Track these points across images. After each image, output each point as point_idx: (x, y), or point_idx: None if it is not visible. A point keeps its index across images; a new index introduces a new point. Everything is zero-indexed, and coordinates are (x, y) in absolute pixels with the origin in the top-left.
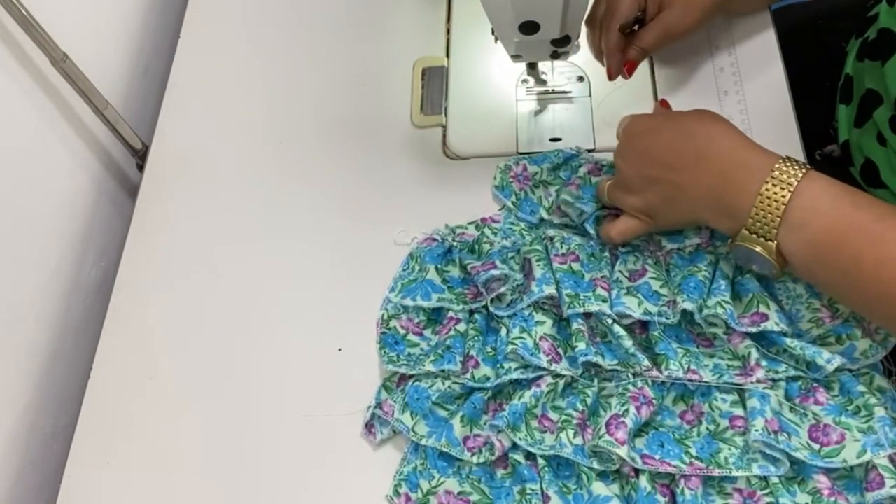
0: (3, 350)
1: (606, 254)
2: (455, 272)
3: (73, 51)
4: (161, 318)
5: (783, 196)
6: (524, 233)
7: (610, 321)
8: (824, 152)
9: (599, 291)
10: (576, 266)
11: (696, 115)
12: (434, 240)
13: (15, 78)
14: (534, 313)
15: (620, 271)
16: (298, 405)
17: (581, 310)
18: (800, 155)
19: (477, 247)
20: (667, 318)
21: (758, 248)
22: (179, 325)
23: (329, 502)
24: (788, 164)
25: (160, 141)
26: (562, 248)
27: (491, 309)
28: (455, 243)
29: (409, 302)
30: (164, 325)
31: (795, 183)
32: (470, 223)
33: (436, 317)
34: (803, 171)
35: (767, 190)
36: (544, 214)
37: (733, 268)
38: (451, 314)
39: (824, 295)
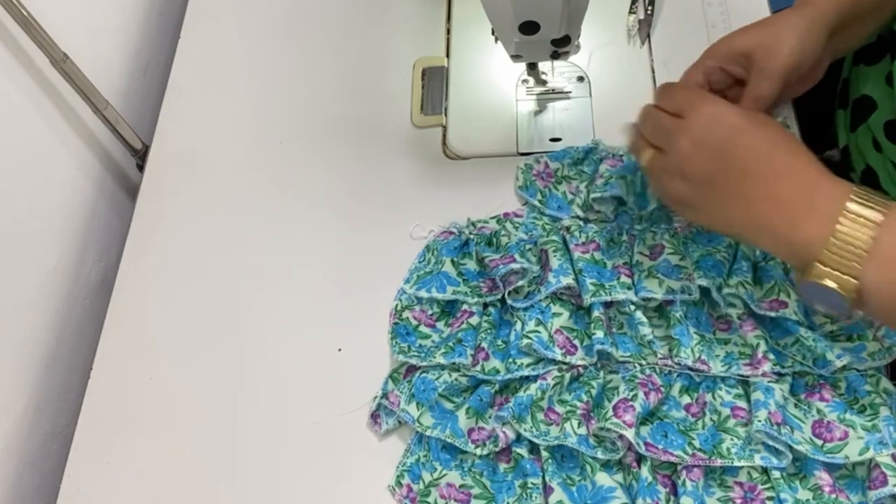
0: (3, 350)
1: (624, 237)
2: (471, 265)
3: (73, 51)
4: (161, 318)
5: (869, 230)
6: (546, 227)
7: (633, 308)
8: (825, 156)
9: (623, 279)
10: (597, 255)
11: (779, 127)
12: (451, 233)
13: (15, 78)
14: (551, 305)
15: (640, 252)
16: (298, 404)
17: (607, 298)
18: None
19: (495, 240)
20: (689, 294)
21: (833, 285)
22: (179, 325)
23: (331, 493)
24: (868, 192)
25: (160, 141)
26: (581, 236)
27: (508, 301)
28: (473, 236)
29: (423, 293)
30: (165, 325)
31: (878, 216)
32: (492, 217)
33: (449, 309)
34: (884, 203)
35: (851, 220)
36: (579, 212)
37: (755, 251)
38: (464, 307)
39: None
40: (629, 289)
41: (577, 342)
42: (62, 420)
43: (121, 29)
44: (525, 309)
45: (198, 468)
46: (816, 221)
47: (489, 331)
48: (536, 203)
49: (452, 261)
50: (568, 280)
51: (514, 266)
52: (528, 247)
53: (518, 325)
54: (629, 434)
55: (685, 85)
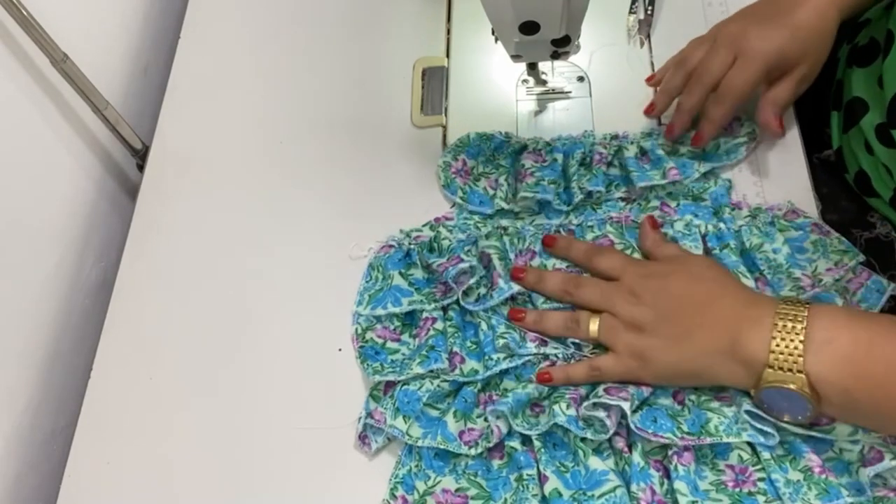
0: (3, 350)
1: (563, 234)
2: (418, 274)
3: (73, 51)
4: (161, 318)
5: (800, 323)
6: (479, 225)
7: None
8: (821, 156)
9: None
10: (535, 262)
11: (701, 259)
12: (391, 246)
13: (15, 78)
14: (510, 305)
15: None
16: (297, 407)
17: (559, 304)
18: (801, 159)
19: (436, 245)
20: None
21: (790, 385)
22: (179, 325)
23: (332, 495)
24: (790, 301)
25: (160, 141)
26: (519, 243)
27: (462, 303)
28: (412, 246)
29: (380, 311)
30: (164, 325)
31: (806, 311)
32: (424, 225)
33: (410, 321)
34: (807, 303)
35: (784, 318)
36: (503, 204)
37: (706, 242)
38: (425, 315)
39: (807, 265)
40: None
41: None
42: (62, 420)
43: (121, 29)
44: (485, 311)
45: (198, 468)
46: (754, 332)
47: (456, 334)
48: (458, 200)
49: (400, 273)
50: (518, 287)
51: (463, 266)
52: (467, 248)
53: (483, 326)
54: (625, 406)
55: (611, 249)
